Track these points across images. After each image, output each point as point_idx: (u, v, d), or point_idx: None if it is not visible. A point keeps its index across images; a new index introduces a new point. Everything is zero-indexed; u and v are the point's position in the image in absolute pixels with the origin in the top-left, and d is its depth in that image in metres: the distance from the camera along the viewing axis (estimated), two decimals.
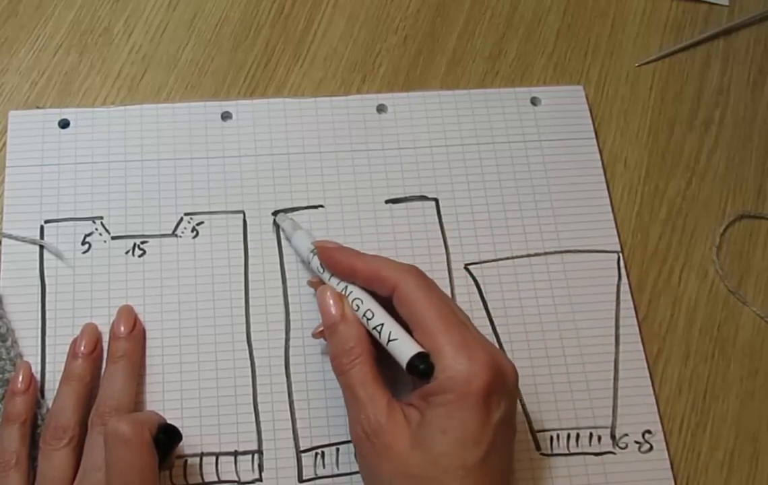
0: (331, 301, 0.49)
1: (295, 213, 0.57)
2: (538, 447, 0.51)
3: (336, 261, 0.50)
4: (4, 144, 0.57)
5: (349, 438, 0.50)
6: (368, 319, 0.48)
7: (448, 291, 0.55)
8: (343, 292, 0.50)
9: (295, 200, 0.57)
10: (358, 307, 0.48)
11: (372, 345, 0.48)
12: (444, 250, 0.56)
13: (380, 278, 0.48)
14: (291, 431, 0.51)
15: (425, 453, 0.44)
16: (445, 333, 0.45)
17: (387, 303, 0.48)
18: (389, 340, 0.47)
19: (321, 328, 0.51)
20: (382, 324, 0.47)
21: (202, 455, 0.50)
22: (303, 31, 0.64)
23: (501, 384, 0.45)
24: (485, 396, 0.44)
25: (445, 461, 0.43)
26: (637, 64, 0.64)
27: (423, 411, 0.45)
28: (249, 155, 0.58)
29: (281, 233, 0.55)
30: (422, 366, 0.45)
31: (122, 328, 0.51)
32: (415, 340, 0.46)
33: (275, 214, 0.56)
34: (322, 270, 0.51)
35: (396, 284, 0.47)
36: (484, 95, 0.61)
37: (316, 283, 0.53)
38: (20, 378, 0.49)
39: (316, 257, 0.52)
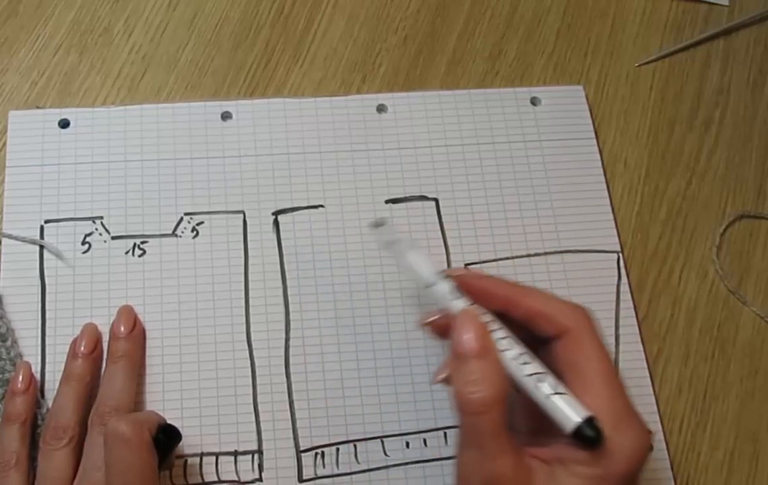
0: (472, 329, 0.42)
1: (295, 213, 0.57)
2: None
3: (485, 290, 0.44)
4: (4, 144, 0.57)
5: (349, 438, 0.51)
6: (522, 364, 0.41)
7: None
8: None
9: (295, 200, 0.57)
10: (509, 348, 0.42)
11: (506, 391, 0.41)
12: (444, 250, 0.56)
13: (547, 316, 0.43)
14: (291, 431, 0.51)
15: None
16: (610, 399, 0.41)
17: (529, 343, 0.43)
18: (553, 394, 0.41)
19: (442, 375, 0.44)
20: (544, 374, 0.41)
21: (202, 455, 0.50)
22: (303, 31, 0.64)
23: (643, 465, 0.41)
24: (631, 477, 0.40)
25: None
26: (637, 64, 0.64)
27: (555, 470, 0.40)
28: (249, 155, 0.58)
29: (387, 246, 0.49)
30: (592, 434, 0.39)
31: (122, 328, 0.51)
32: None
33: (376, 226, 0.50)
34: (451, 298, 0.44)
35: (568, 328, 0.42)
36: (484, 95, 0.61)
37: (436, 322, 0.46)
38: (20, 378, 0.49)
39: (444, 282, 0.45)
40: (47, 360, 0.51)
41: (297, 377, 0.52)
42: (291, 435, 0.51)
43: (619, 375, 0.42)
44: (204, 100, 0.60)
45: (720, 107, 0.63)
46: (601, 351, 0.42)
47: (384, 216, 0.57)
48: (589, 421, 0.40)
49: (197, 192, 0.57)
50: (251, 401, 0.52)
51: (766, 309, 0.57)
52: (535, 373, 0.41)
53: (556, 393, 0.41)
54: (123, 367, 0.50)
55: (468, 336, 0.42)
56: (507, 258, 0.56)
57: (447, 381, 0.43)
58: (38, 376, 0.51)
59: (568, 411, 0.40)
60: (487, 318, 0.43)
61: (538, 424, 0.42)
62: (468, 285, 0.45)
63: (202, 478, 0.50)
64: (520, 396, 0.42)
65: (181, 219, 0.56)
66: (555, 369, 0.42)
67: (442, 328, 0.46)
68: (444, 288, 0.45)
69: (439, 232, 0.57)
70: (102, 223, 0.55)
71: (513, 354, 0.42)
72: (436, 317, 0.46)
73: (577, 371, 0.42)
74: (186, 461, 0.50)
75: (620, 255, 0.57)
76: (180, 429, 0.48)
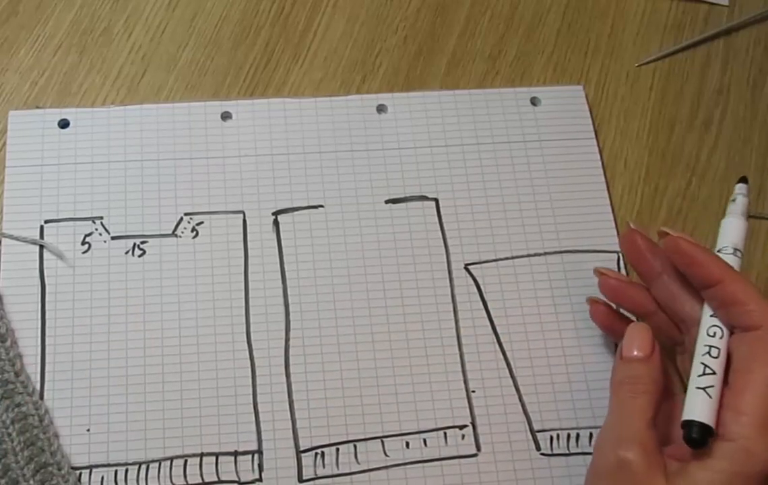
0: (643, 336, 0.47)
1: (295, 213, 0.57)
2: (538, 447, 0.51)
3: (697, 262, 0.46)
4: (4, 144, 0.57)
5: (349, 438, 0.51)
6: (704, 354, 0.44)
7: (447, 292, 0.55)
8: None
9: (295, 200, 0.57)
10: (714, 335, 0.45)
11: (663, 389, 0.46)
12: (444, 250, 0.56)
13: (749, 310, 0.44)
14: (291, 431, 0.51)
15: None
16: (762, 405, 0.42)
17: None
18: (701, 388, 0.43)
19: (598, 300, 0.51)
20: (713, 374, 0.44)
21: (202, 455, 0.50)
22: (303, 31, 0.64)
23: None
24: (763, 479, 0.41)
25: None
26: (637, 64, 0.64)
27: (688, 466, 0.42)
28: (249, 155, 0.58)
29: None
30: (696, 437, 0.42)
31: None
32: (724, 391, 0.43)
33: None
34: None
35: (760, 326, 0.43)
36: (484, 95, 0.61)
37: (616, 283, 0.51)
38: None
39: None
40: (47, 360, 0.51)
41: (297, 377, 0.52)
42: (291, 435, 0.51)
43: None
44: (204, 100, 0.60)
45: (720, 107, 0.63)
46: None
47: (383, 214, 0.57)
48: (703, 427, 0.42)
49: (197, 192, 0.57)
50: (251, 401, 0.52)
51: None
52: (709, 369, 0.44)
53: (701, 389, 0.43)
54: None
55: (638, 343, 0.46)
56: (507, 259, 0.56)
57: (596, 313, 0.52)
58: (38, 376, 0.51)
59: (690, 406, 0.43)
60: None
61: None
62: (681, 250, 0.46)
63: (202, 478, 0.50)
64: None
65: (181, 219, 0.56)
66: (727, 354, 0.44)
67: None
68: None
69: (439, 232, 0.57)
70: (102, 223, 0.55)
71: (711, 341, 0.45)
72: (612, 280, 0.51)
73: (748, 368, 0.43)
74: (186, 461, 0.50)
75: (620, 255, 0.57)
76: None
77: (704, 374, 0.44)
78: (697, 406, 0.43)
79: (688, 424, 0.43)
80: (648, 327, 0.48)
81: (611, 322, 0.52)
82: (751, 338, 0.44)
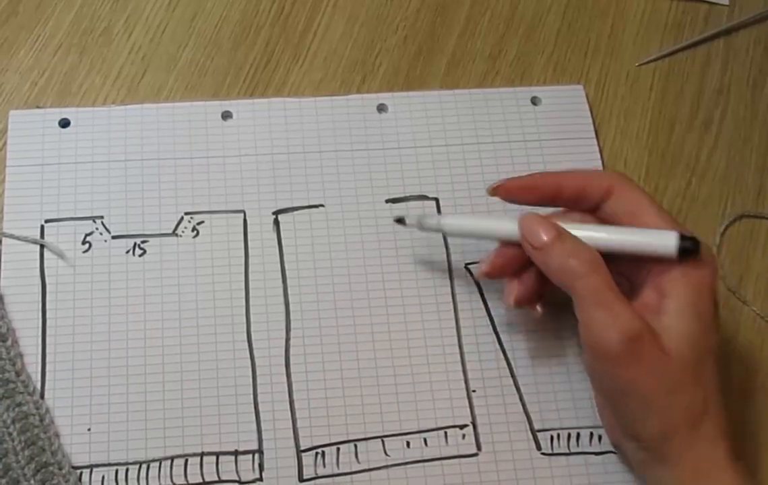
0: (540, 224, 0.47)
1: (295, 213, 0.57)
2: (538, 447, 0.51)
3: (532, 188, 0.49)
4: (4, 144, 0.57)
5: (350, 438, 0.51)
6: (595, 233, 0.47)
7: (448, 291, 0.55)
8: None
9: (295, 200, 0.57)
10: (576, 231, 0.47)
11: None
12: (444, 250, 0.56)
13: (592, 185, 0.48)
14: (291, 431, 0.51)
15: (684, 341, 0.44)
16: (672, 226, 0.46)
17: None
18: (633, 235, 0.46)
19: (487, 268, 0.50)
20: (615, 230, 0.47)
21: (202, 455, 0.50)
22: (303, 31, 0.64)
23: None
24: (715, 283, 0.46)
25: (701, 343, 0.45)
26: (637, 64, 0.64)
27: (661, 305, 0.45)
28: (249, 155, 0.58)
29: (422, 228, 0.53)
30: (691, 245, 0.45)
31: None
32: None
33: (398, 220, 0.54)
34: (509, 222, 0.49)
35: (612, 185, 0.48)
36: (484, 95, 0.61)
37: (496, 263, 0.50)
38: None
39: (498, 220, 0.50)
40: (47, 360, 0.51)
41: (297, 377, 0.52)
42: (291, 435, 0.51)
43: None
44: (204, 100, 0.60)
45: (720, 107, 0.63)
46: (645, 193, 0.48)
47: (383, 213, 0.57)
48: (682, 236, 0.45)
49: (197, 191, 0.57)
50: (251, 401, 0.52)
51: (766, 309, 0.57)
52: (610, 233, 0.47)
53: (636, 234, 0.46)
54: None
55: (539, 228, 0.47)
56: None
57: (489, 274, 0.50)
58: (38, 376, 0.51)
59: (660, 241, 0.46)
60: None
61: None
62: (513, 191, 0.49)
63: (203, 478, 0.50)
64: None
65: (182, 218, 0.56)
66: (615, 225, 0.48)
67: (502, 267, 0.50)
68: (500, 224, 0.50)
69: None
70: (102, 223, 0.55)
71: (583, 233, 0.47)
72: (491, 258, 0.50)
73: (633, 216, 0.47)
74: (186, 461, 0.50)
75: None
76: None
77: (619, 233, 0.47)
78: (662, 232, 0.46)
79: (681, 241, 0.45)
80: (537, 215, 0.48)
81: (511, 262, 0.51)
82: (615, 199, 0.47)
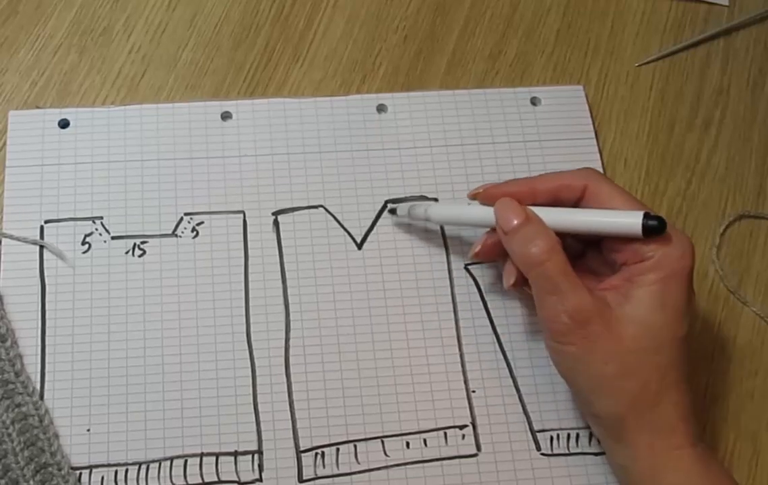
0: (511, 209, 0.49)
1: (295, 213, 0.57)
2: (538, 447, 0.51)
3: (509, 193, 0.50)
4: (4, 144, 0.57)
5: (349, 438, 0.51)
6: (565, 216, 0.49)
7: (447, 291, 0.55)
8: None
9: (295, 200, 0.57)
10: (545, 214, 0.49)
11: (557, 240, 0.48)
12: (444, 250, 0.56)
13: (566, 185, 0.49)
14: (291, 431, 0.51)
15: (642, 329, 0.46)
16: (645, 210, 0.47)
17: None
18: (602, 216, 0.48)
19: (478, 248, 0.52)
20: (587, 212, 0.48)
21: (202, 455, 0.50)
22: (303, 31, 0.64)
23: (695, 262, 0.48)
24: (690, 273, 0.47)
25: (662, 333, 0.46)
26: (637, 64, 0.64)
27: (628, 291, 0.46)
28: (249, 155, 0.58)
29: (413, 218, 0.56)
30: (657, 224, 0.46)
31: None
32: None
33: (391, 211, 0.57)
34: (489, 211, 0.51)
35: (586, 185, 0.49)
36: (484, 95, 0.61)
37: (486, 244, 0.52)
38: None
39: (480, 206, 0.52)
40: (47, 360, 0.51)
41: (297, 377, 0.52)
42: (291, 435, 0.51)
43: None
44: (204, 100, 0.60)
45: (720, 107, 0.63)
46: (619, 188, 0.49)
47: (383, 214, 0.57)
48: (647, 215, 0.46)
49: (197, 192, 0.57)
50: (251, 401, 0.52)
51: (766, 309, 0.57)
52: (581, 217, 0.48)
53: (604, 218, 0.47)
54: None
55: (510, 213, 0.48)
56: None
57: (479, 255, 0.52)
58: (38, 376, 0.51)
59: (626, 219, 0.47)
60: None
61: (598, 270, 0.50)
62: (490, 197, 0.51)
63: (202, 478, 0.50)
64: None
65: (181, 219, 0.56)
66: None
67: (491, 247, 0.51)
68: (483, 210, 0.51)
69: (440, 232, 0.57)
70: (102, 223, 0.55)
71: (551, 217, 0.48)
72: (483, 239, 0.52)
73: (611, 205, 0.48)
74: (186, 461, 0.50)
75: None
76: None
77: (589, 216, 0.48)
78: (624, 217, 0.47)
79: (648, 221, 0.46)
80: (512, 199, 0.49)
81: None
82: (589, 198, 0.49)
